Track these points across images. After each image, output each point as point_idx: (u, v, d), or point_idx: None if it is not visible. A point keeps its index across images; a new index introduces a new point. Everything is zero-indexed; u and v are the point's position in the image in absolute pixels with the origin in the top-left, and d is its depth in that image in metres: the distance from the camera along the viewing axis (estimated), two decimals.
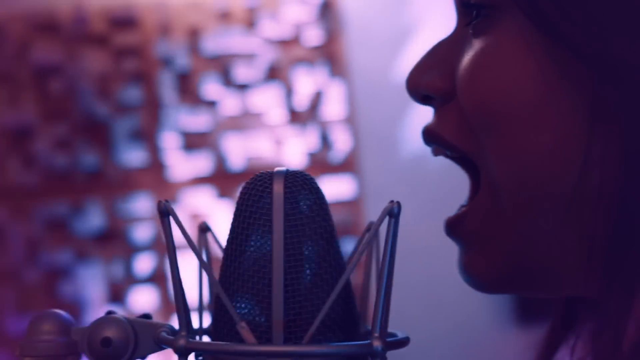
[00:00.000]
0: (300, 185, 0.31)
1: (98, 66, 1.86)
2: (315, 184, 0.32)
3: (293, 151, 1.83)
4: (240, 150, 1.83)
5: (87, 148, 1.82)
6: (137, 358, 0.33)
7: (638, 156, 0.26)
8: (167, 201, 0.30)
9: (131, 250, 1.78)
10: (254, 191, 0.31)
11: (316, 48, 1.87)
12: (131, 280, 1.79)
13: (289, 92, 1.86)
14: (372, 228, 0.29)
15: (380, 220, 0.29)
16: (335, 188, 1.81)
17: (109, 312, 0.34)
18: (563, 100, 0.29)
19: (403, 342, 0.31)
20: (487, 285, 0.33)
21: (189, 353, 0.29)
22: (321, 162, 1.84)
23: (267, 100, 1.85)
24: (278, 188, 0.30)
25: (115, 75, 1.86)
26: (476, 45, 0.31)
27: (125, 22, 1.88)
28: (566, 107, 0.28)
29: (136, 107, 1.84)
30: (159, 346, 0.32)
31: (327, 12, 1.88)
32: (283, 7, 1.88)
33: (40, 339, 0.32)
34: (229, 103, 1.84)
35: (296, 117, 1.85)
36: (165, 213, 0.29)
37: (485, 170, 0.32)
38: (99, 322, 0.33)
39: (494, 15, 0.31)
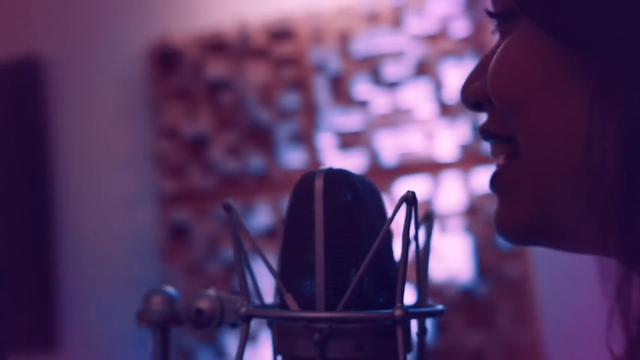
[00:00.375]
0: (337, 180, 0.37)
1: (260, 77, 2.03)
2: (352, 178, 0.37)
3: (445, 144, 1.85)
4: (392, 147, 1.88)
5: (254, 153, 2.00)
6: (224, 324, 0.41)
7: (636, 132, 0.29)
8: (231, 199, 0.37)
9: None
10: (300, 187, 0.37)
11: (464, 40, 1.87)
12: None
13: (438, 86, 1.87)
14: (391, 214, 0.34)
15: (397, 206, 0.34)
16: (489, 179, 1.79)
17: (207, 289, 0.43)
18: (564, 87, 0.32)
19: (427, 313, 0.35)
20: (511, 236, 0.37)
21: (250, 319, 0.36)
22: (473, 154, 1.83)
23: (417, 96, 1.88)
24: (319, 183, 0.36)
25: (276, 84, 2.01)
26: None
27: (282, 34, 2.03)
28: (567, 92, 0.32)
29: (295, 112, 1.98)
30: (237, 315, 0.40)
31: (473, 3, 1.87)
32: (429, 1, 1.90)
33: (151, 309, 0.41)
34: (380, 101, 1.90)
35: (447, 111, 1.86)
36: (228, 208, 0.37)
37: (519, 148, 0.37)
38: (195, 297, 0.41)
39: (511, 20, 0.36)
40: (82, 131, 2.24)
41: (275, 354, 0.38)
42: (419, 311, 0.35)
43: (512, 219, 0.37)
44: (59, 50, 2.30)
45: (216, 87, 2.07)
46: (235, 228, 0.37)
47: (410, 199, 0.34)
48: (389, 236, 0.39)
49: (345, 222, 0.36)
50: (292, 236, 0.38)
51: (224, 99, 2.06)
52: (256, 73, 2.04)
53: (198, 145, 2.06)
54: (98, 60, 2.25)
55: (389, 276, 0.37)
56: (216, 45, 2.09)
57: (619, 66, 0.30)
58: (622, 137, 0.30)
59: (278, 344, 0.37)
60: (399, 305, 0.34)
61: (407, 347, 0.36)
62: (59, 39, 2.31)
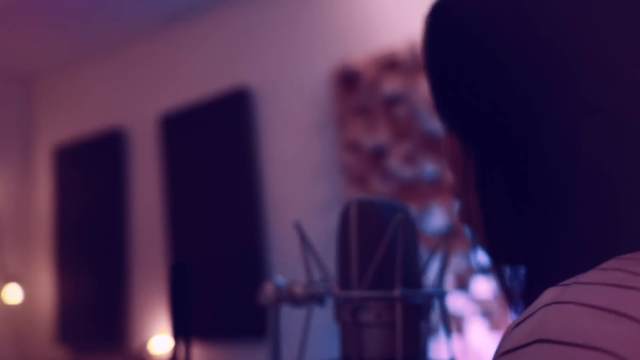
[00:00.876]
0: (365, 207, 0.55)
1: None
2: (376, 206, 0.56)
3: None
4: None
5: (428, 160, 2.16)
6: (310, 302, 0.61)
7: (483, 185, 0.44)
8: (299, 221, 0.58)
9: (471, 245, 2.05)
10: (343, 212, 0.57)
11: None
12: (472, 271, 2.05)
13: None
14: (387, 231, 0.52)
15: (393, 227, 0.52)
16: None
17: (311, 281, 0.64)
18: (461, 159, 0.48)
19: (422, 295, 0.52)
20: (490, 259, 0.51)
21: (318, 296, 0.56)
22: None
23: None
24: (353, 210, 0.56)
25: None
26: None
27: None
28: (461, 163, 0.47)
29: None
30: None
31: None
32: None
33: (265, 293, 0.63)
34: None
35: None
36: (297, 227, 0.58)
37: None
38: (291, 284, 0.62)
39: None
40: (281, 146, 2.59)
41: (337, 321, 0.58)
42: (413, 292, 0.52)
43: (484, 248, 0.51)
44: (260, 79, 2.69)
45: (391, 102, 2.28)
46: (305, 241, 0.57)
47: (400, 221, 0.51)
48: (415, 245, 0.57)
49: (370, 234, 0.55)
50: (341, 244, 0.57)
51: (398, 113, 2.26)
52: (427, 86, 2.20)
53: (377, 156, 2.28)
54: (291, 85, 2.60)
55: (411, 270, 0.55)
56: (390, 64, 2.30)
57: (474, 149, 0.45)
58: (477, 189, 0.45)
59: (337, 314, 0.57)
60: (397, 287, 0.51)
61: (415, 318, 0.54)
62: (260, 70, 2.70)
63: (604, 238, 0.38)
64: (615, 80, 0.37)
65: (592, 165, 0.38)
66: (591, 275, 0.34)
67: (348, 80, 2.39)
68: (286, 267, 2.48)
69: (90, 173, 3.20)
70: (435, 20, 0.48)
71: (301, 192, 2.49)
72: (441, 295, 0.54)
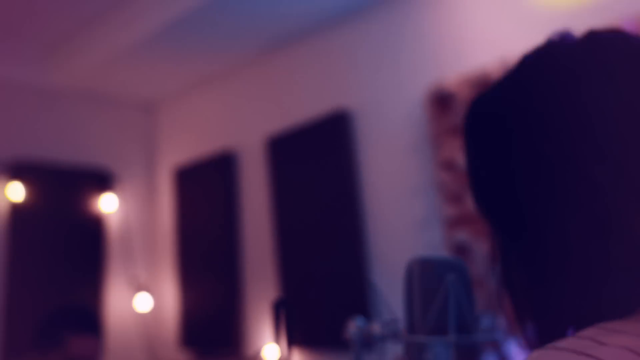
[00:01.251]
0: (427, 264, 0.68)
1: None
2: (435, 262, 0.68)
3: None
4: None
5: None
6: (385, 341, 0.75)
7: (502, 255, 0.55)
8: (373, 281, 0.72)
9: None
10: (407, 268, 0.70)
11: None
12: None
13: None
14: (442, 288, 0.64)
15: (446, 285, 0.65)
16: None
17: (393, 320, 0.77)
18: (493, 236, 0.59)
19: (473, 340, 0.65)
20: (515, 315, 0.63)
21: (390, 336, 0.70)
22: None
23: None
24: (416, 268, 0.69)
25: None
26: None
27: None
28: (493, 239, 0.59)
29: None
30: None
31: None
32: None
33: (348, 330, 0.78)
34: None
35: None
36: (369, 283, 0.72)
37: None
38: (369, 324, 0.76)
39: None
40: (380, 166, 2.72)
41: (405, 357, 0.71)
42: (469, 339, 0.64)
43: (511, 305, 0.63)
44: (359, 102, 2.84)
45: None
46: (378, 294, 0.71)
47: (451, 281, 0.64)
48: (470, 296, 0.69)
49: (430, 288, 0.68)
50: (406, 295, 0.70)
51: None
52: None
53: None
54: (388, 107, 2.72)
55: (466, 318, 0.68)
56: (482, 84, 2.37)
57: (495, 228, 0.56)
58: (499, 257, 0.57)
59: (405, 351, 0.70)
60: (451, 334, 0.64)
61: (468, 358, 0.66)
62: (358, 93, 2.85)
63: (590, 308, 0.49)
64: (601, 194, 0.48)
65: (580, 256, 0.49)
66: (566, 341, 0.45)
67: (442, 101, 2.48)
68: (385, 279, 2.60)
69: (207, 191, 3.49)
70: (466, 121, 0.60)
71: (399, 210, 2.61)
72: (492, 339, 0.66)
